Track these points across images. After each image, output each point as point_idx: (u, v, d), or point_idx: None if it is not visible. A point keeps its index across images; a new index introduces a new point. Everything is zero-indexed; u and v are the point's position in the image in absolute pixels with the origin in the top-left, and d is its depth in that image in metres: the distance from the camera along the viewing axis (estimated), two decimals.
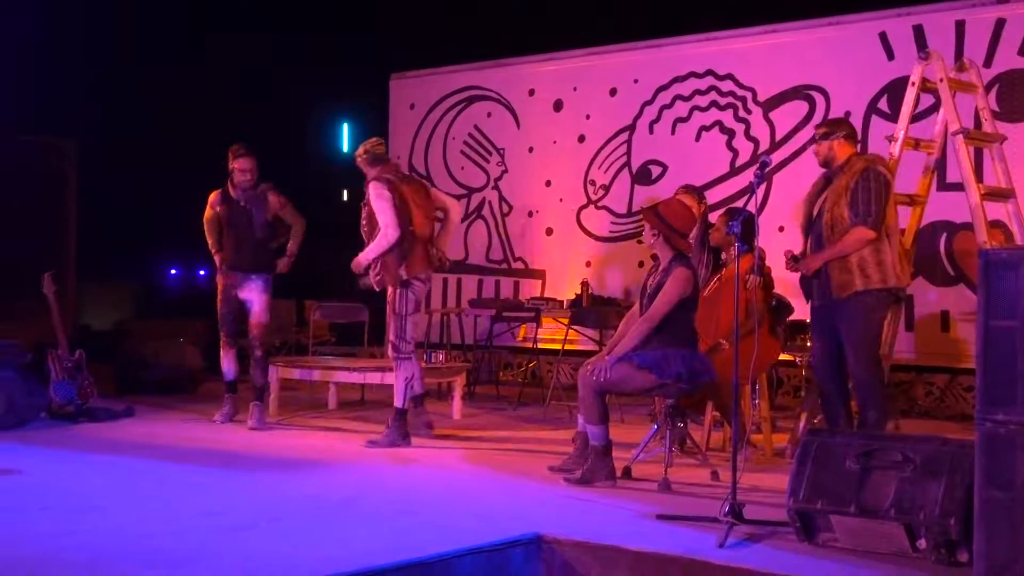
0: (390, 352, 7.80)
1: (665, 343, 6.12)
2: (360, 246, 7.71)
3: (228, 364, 8.64)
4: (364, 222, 7.72)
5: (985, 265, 3.96)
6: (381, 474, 6.59)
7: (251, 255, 8.46)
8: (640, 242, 9.63)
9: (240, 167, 8.35)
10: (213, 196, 8.54)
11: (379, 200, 7.52)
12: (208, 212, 8.59)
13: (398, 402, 7.60)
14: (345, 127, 17.24)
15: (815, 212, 6.51)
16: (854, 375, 6.37)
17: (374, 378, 8.98)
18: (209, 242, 8.64)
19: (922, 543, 4.42)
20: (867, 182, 6.32)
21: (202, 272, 16.66)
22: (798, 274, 6.61)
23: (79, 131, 12.62)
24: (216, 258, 8.63)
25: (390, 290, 7.64)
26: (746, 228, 5.90)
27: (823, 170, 6.64)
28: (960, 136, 7.12)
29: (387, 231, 7.48)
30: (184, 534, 4.78)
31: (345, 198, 17.55)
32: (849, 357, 6.36)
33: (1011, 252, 4.03)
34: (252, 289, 8.48)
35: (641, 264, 10.71)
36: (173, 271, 17.66)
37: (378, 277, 7.64)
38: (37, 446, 7.33)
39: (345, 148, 17.26)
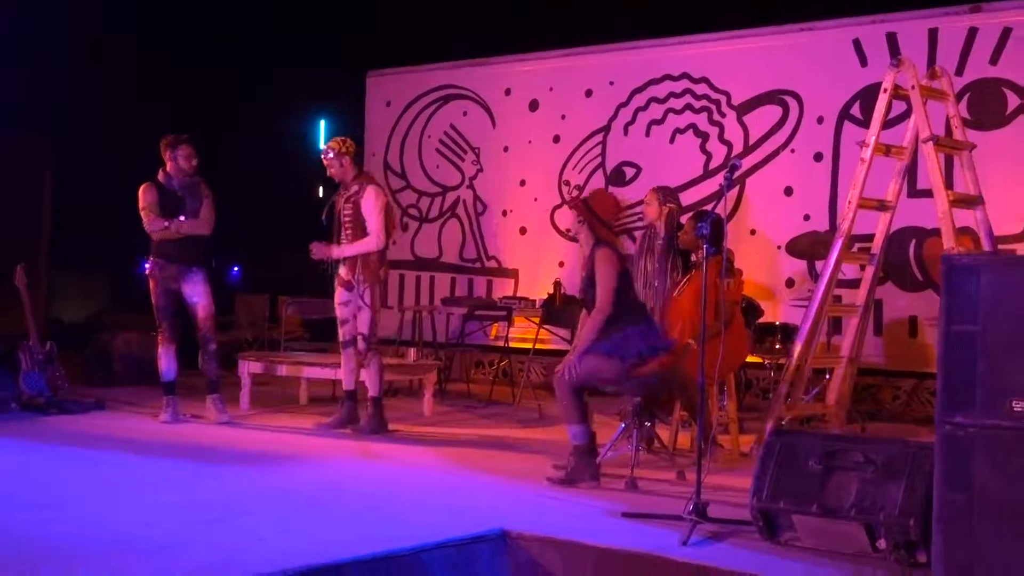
0: (362, 345, 7.96)
1: (621, 324, 6.20)
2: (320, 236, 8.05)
3: (168, 362, 8.29)
4: (349, 217, 7.90)
5: (947, 270, 4.01)
6: (350, 470, 6.62)
7: (190, 246, 8.25)
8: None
9: (186, 153, 8.22)
10: (144, 192, 8.23)
11: (376, 205, 7.87)
12: (144, 204, 8.19)
13: (375, 391, 7.92)
14: (322, 124, 17.22)
15: None
16: None
17: None
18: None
19: (882, 543, 4.47)
20: None
21: None
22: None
23: (53, 124, 12.58)
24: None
25: (367, 288, 7.88)
26: (715, 231, 5.95)
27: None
28: (930, 143, 7.18)
29: (378, 238, 7.86)
30: (152, 526, 4.79)
31: (320, 194, 17.54)
32: None
33: (973, 258, 4.10)
34: (194, 283, 8.25)
35: None
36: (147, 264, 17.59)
37: (354, 274, 7.90)
38: (6, 437, 7.30)
39: (322, 145, 17.25)
